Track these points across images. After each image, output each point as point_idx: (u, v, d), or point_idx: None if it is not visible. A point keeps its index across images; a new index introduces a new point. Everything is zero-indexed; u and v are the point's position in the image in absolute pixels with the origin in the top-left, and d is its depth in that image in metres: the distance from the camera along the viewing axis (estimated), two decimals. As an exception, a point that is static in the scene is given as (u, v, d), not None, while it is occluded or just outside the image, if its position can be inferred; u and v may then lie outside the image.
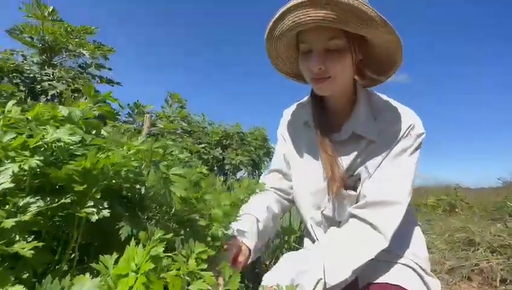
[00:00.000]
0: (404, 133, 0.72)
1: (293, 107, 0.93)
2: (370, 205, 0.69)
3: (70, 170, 0.34)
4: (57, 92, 2.53)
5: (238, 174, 4.43)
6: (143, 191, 0.36)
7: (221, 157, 4.12)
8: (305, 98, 0.90)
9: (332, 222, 0.80)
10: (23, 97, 2.43)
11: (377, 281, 0.68)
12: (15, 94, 2.37)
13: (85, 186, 0.35)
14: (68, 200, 0.33)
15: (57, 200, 0.34)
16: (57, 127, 0.42)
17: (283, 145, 0.91)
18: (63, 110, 0.45)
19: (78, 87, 2.64)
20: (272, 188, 0.90)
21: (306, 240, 0.92)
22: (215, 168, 4.14)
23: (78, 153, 0.36)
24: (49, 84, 2.50)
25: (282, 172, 0.90)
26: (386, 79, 0.80)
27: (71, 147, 0.37)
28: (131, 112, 3.64)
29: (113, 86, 3.59)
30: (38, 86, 2.55)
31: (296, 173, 0.87)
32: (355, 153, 0.75)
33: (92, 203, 0.35)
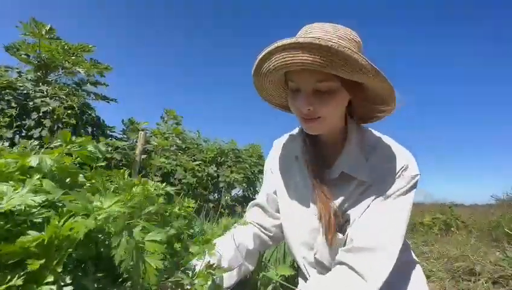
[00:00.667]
0: (397, 174, 0.69)
1: (284, 138, 0.89)
2: (357, 250, 0.65)
3: (26, 242, 0.29)
4: (50, 109, 2.50)
5: (233, 192, 4.35)
6: (116, 262, 0.31)
7: (215, 174, 4.05)
8: (297, 130, 0.87)
9: (323, 265, 0.76)
10: (14, 114, 2.38)
11: None
12: (5, 111, 2.33)
13: (43, 261, 0.30)
14: (19, 282, 0.28)
15: (8, 279, 0.29)
16: (23, 181, 0.38)
17: (270, 180, 0.87)
18: (32, 160, 0.41)
19: (72, 105, 2.61)
20: (254, 222, 0.85)
21: (300, 279, 0.88)
22: (210, 186, 4.06)
23: (39, 220, 0.32)
24: (41, 101, 2.46)
25: (266, 210, 0.86)
26: (378, 120, 0.77)
27: (33, 210, 0.33)
28: (125, 128, 3.60)
29: (108, 102, 3.57)
30: (31, 103, 2.52)
31: (286, 209, 0.83)
32: (345, 194, 0.72)
33: (52, 279, 0.30)
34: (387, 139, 0.76)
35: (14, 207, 0.31)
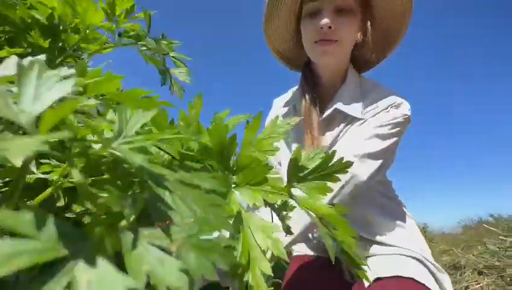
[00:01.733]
0: (385, 108, 0.68)
1: (283, 95, 0.89)
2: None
3: None
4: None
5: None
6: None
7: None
8: (295, 87, 0.86)
9: None
10: None
11: (388, 275, 0.60)
12: None
13: None
14: None
15: None
16: None
17: None
18: None
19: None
20: None
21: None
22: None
23: None
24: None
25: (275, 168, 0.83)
26: (383, 58, 0.78)
27: None
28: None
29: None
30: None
31: (283, 161, 0.80)
32: (337, 130, 0.71)
33: None
34: (386, 87, 0.76)
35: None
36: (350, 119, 0.70)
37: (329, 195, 0.56)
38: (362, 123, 0.68)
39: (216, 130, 0.22)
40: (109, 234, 0.11)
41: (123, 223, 0.12)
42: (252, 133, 0.22)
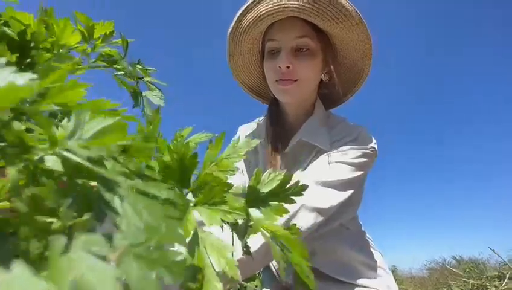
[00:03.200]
0: (353, 140, 0.66)
1: (249, 123, 0.87)
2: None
3: None
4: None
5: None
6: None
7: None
8: (262, 117, 0.85)
9: None
10: None
11: None
12: None
13: None
14: None
15: None
16: None
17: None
18: None
19: None
20: None
21: None
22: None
23: None
24: None
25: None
26: (351, 95, 0.79)
27: None
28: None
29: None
30: None
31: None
32: (304, 164, 0.68)
33: None
34: (352, 122, 0.76)
35: None
36: (317, 151, 0.69)
37: (285, 216, 0.51)
38: (329, 154, 0.66)
39: (177, 148, 0.22)
40: (37, 236, 0.10)
41: (57, 224, 0.11)
42: (214, 153, 0.23)
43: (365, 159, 0.64)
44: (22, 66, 0.46)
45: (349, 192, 0.60)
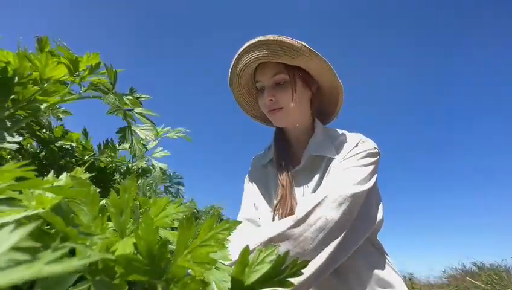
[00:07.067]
0: (355, 144, 0.75)
1: (260, 153, 0.96)
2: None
3: None
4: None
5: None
6: None
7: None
8: (270, 144, 0.93)
9: None
10: None
11: None
12: None
13: None
14: None
15: None
16: None
17: (249, 190, 0.88)
18: None
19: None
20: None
21: None
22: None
23: None
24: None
25: (254, 221, 0.82)
26: (334, 116, 0.90)
27: None
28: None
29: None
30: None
31: (263, 216, 0.81)
32: (318, 175, 0.76)
33: None
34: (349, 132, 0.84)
35: None
36: (327, 161, 0.76)
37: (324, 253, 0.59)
38: (339, 161, 0.74)
39: (145, 233, 0.18)
40: None
41: None
42: (186, 238, 0.19)
43: (373, 158, 0.73)
44: (5, 102, 0.43)
45: (371, 183, 0.68)
